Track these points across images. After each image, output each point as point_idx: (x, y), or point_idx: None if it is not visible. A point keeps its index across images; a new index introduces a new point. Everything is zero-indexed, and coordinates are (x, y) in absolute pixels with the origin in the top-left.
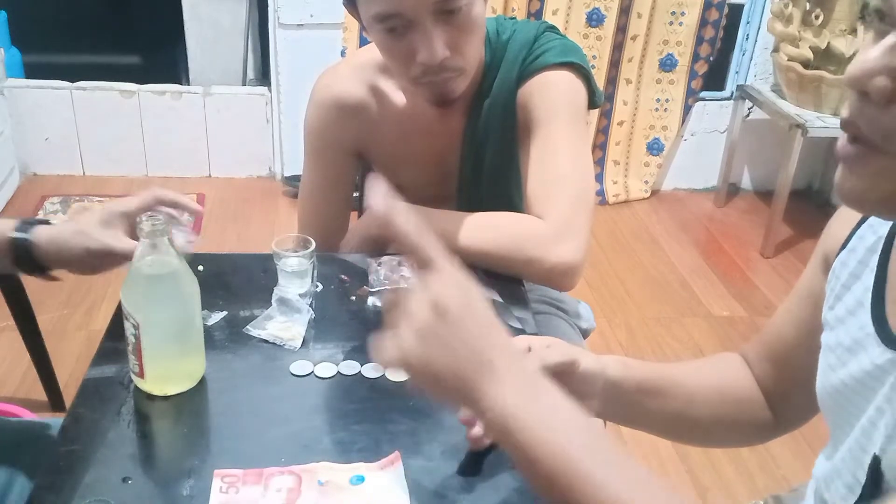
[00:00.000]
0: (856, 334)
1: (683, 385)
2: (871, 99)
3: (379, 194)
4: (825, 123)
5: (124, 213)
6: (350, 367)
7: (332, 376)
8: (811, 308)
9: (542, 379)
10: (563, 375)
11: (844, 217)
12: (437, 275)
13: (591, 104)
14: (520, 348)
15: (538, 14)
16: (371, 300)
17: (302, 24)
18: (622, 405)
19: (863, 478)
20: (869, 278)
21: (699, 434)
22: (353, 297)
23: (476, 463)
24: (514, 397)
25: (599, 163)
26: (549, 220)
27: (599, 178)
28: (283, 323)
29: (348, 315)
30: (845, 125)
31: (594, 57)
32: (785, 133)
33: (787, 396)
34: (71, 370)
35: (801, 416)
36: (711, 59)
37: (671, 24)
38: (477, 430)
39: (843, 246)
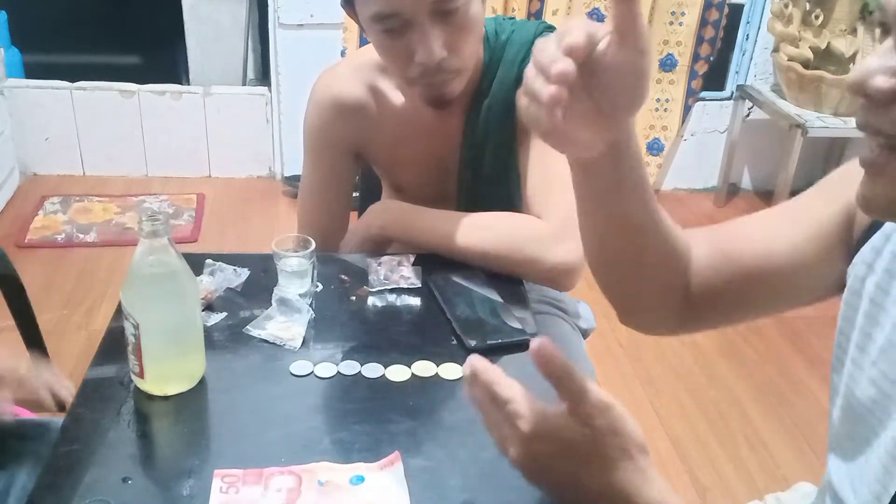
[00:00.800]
0: (892, 336)
1: (656, 204)
2: (874, 100)
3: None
4: (825, 123)
5: None
6: (350, 367)
7: (332, 376)
8: (818, 245)
9: None
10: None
11: None
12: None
13: None
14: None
15: (538, 14)
16: (371, 300)
17: (302, 24)
18: (614, 172)
19: (893, 488)
20: None
21: (623, 264)
22: (353, 297)
23: None
24: None
25: None
26: (548, 220)
27: None
28: (283, 323)
29: (348, 315)
30: (863, 128)
31: None
32: (785, 133)
33: (723, 297)
34: (71, 370)
35: (718, 321)
36: (711, 59)
37: (671, 24)
38: None
39: (875, 225)
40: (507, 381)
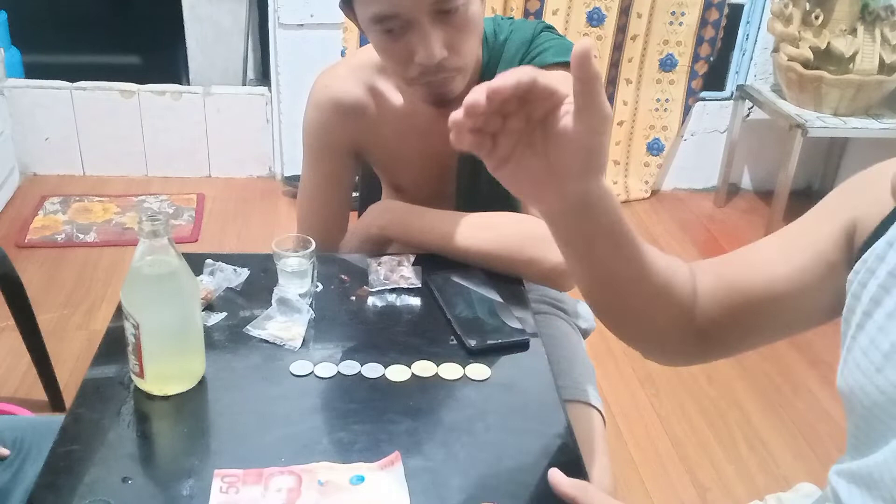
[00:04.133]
0: None
1: (643, 257)
2: None
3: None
4: (825, 123)
5: None
6: (350, 367)
7: (332, 376)
8: (819, 267)
9: None
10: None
11: (878, 191)
12: None
13: None
14: None
15: (538, 14)
16: (371, 300)
17: (302, 24)
18: (582, 228)
19: None
20: None
21: (617, 310)
22: (353, 297)
23: None
24: None
25: None
26: None
27: None
28: (283, 323)
29: (348, 315)
30: None
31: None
32: (785, 133)
33: (731, 328)
34: (71, 370)
35: (732, 350)
36: (711, 59)
37: (671, 24)
38: None
39: (879, 231)
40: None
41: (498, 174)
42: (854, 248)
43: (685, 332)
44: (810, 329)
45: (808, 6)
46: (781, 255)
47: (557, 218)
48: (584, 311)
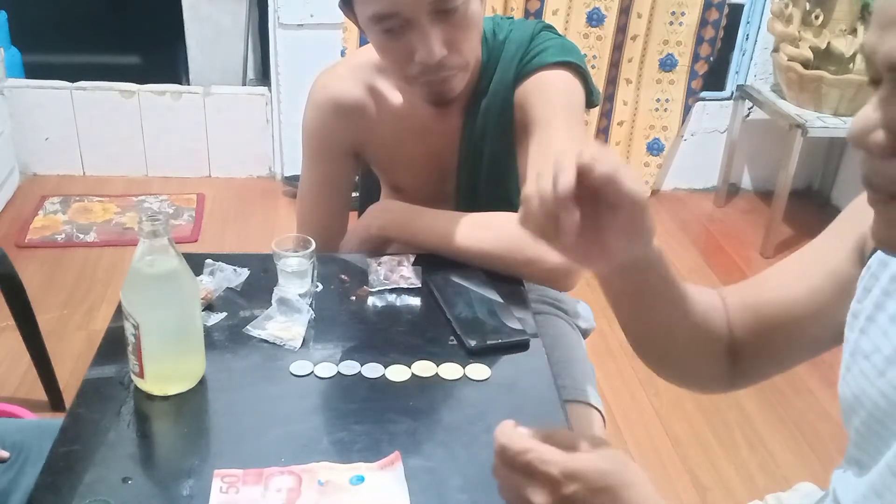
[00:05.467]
0: None
1: (686, 301)
2: (873, 154)
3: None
4: (825, 123)
5: None
6: (350, 367)
7: (332, 376)
8: (834, 285)
9: None
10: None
11: None
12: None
13: (589, 103)
14: None
15: (538, 14)
16: (371, 300)
17: (302, 24)
18: (631, 286)
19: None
20: None
21: (662, 352)
22: (353, 297)
23: None
24: None
25: None
26: None
27: None
28: (283, 323)
29: (348, 315)
30: (863, 180)
31: (594, 57)
32: (785, 133)
33: (759, 352)
34: (71, 370)
35: (762, 375)
36: (711, 59)
37: (671, 24)
38: None
39: None
40: (516, 432)
41: (560, 250)
42: (865, 258)
43: (722, 363)
44: (834, 347)
45: (808, 6)
46: (798, 276)
47: (607, 278)
48: (584, 310)
